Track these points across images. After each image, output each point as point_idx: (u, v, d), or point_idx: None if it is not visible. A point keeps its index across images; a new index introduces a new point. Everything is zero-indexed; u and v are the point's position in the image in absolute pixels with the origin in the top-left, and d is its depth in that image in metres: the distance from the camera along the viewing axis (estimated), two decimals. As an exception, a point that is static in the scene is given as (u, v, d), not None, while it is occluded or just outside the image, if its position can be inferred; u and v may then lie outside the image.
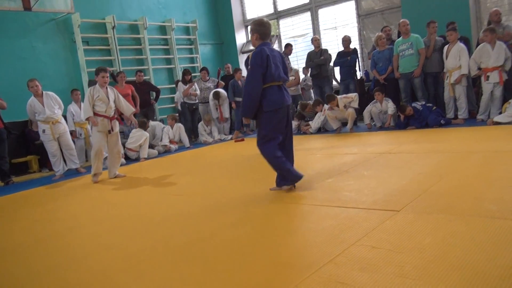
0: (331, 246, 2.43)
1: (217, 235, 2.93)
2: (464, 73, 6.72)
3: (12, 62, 8.21)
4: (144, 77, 9.58)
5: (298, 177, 3.82)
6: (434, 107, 7.02)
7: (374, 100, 7.61)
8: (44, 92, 6.85)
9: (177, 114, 9.51)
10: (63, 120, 6.98)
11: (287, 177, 3.82)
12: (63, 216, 4.19)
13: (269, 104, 3.71)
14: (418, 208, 2.91)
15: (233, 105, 9.34)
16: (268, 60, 3.66)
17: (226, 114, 9.63)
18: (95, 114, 5.71)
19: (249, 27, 12.15)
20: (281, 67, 3.82)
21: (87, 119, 5.74)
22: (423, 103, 7.09)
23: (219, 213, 3.50)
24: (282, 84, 3.85)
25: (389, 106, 7.35)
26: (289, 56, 9.69)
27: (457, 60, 6.78)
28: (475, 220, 2.55)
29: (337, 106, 7.70)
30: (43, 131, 6.80)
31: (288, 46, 9.42)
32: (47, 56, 8.77)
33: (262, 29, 3.84)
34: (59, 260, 2.86)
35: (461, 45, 6.82)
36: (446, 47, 7.00)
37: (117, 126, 6.01)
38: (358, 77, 9.12)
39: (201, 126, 9.35)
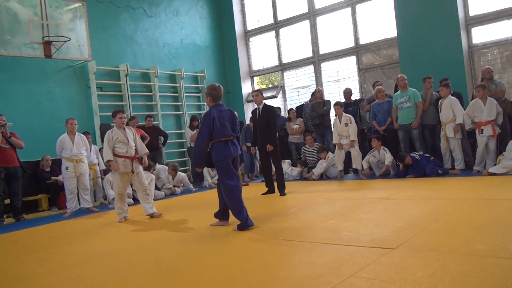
0: (330, 277, 2.65)
1: (228, 268, 3.15)
2: (460, 122, 7.08)
3: (29, 105, 8.65)
4: (153, 122, 9.99)
5: (247, 225, 4.34)
6: (432, 158, 7.31)
7: (373, 149, 7.92)
8: (77, 132, 7.32)
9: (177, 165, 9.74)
10: (86, 161, 7.35)
11: (242, 223, 4.34)
12: (77, 249, 4.39)
13: (217, 156, 4.44)
14: (412, 246, 3.14)
15: (244, 148, 9.60)
16: (214, 121, 4.40)
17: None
18: (116, 155, 5.67)
19: (254, 78, 12.73)
20: (230, 124, 4.56)
21: (108, 161, 5.74)
22: (421, 153, 7.40)
23: (229, 249, 3.73)
24: (232, 139, 4.54)
25: (387, 157, 7.65)
26: (294, 106, 10.10)
27: (450, 112, 7.18)
28: (463, 258, 2.76)
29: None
30: (66, 168, 7.16)
31: (318, 92, 9.72)
32: (63, 100, 9.22)
33: (214, 93, 4.67)
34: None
35: (452, 98, 7.26)
36: (440, 101, 7.41)
37: (139, 166, 5.95)
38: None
39: (205, 170, 9.62)
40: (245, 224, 4.32)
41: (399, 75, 8.09)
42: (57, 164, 8.46)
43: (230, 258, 3.41)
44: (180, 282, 2.91)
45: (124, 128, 5.85)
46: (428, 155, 7.37)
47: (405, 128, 7.85)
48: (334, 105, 8.27)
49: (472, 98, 7.39)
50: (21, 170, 7.11)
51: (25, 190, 7.80)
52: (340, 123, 8.01)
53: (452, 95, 7.41)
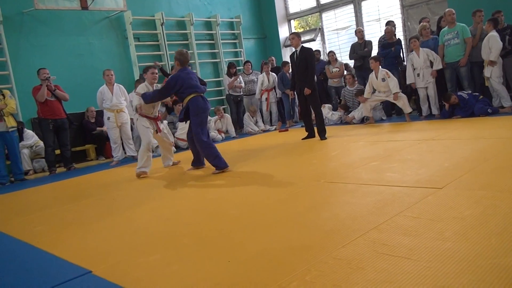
0: (374, 216, 2.61)
1: (272, 207, 3.19)
2: (493, 59, 6.68)
3: (71, 58, 8.79)
4: (192, 70, 9.96)
5: (225, 166, 4.94)
6: (481, 96, 6.95)
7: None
8: (115, 83, 7.45)
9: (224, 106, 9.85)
10: (126, 111, 7.49)
11: (219, 164, 4.92)
12: (124, 195, 4.57)
13: (197, 108, 4.95)
14: (460, 185, 3.04)
15: (290, 94, 9.42)
16: (182, 81, 4.94)
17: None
18: (142, 115, 5.64)
19: (291, 22, 12.34)
20: (199, 83, 5.13)
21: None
22: (469, 92, 7.04)
23: (270, 191, 3.75)
24: (203, 95, 5.09)
25: (392, 85, 7.52)
26: (333, 49, 9.76)
27: (487, 48, 6.77)
28: (516, 196, 2.65)
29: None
30: (108, 118, 7.35)
31: (358, 32, 9.39)
32: (102, 52, 9.31)
33: (181, 58, 5.07)
34: (124, 228, 3.20)
35: (492, 34, 6.76)
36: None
37: (162, 125, 6.27)
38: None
39: (247, 117, 9.62)
40: (223, 165, 4.93)
41: (446, 10, 7.56)
42: (101, 115, 8.71)
43: (273, 200, 3.44)
44: (223, 223, 2.97)
45: (153, 86, 5.71)
46: (477, 93, 7.01)
47: (452, 66, 7.44)
48: (370, 59, 7.91)
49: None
50: (68, 122, 7.35)
51: (73, 141, 8.12)
52: (377, 78, 7.68)
53: (505, 28, 6.90)
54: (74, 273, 2.40)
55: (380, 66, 7.73)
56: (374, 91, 7.87)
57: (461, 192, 2.88)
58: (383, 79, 7.60)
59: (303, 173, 4.32)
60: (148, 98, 5.25)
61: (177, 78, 4.98)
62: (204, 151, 5.03)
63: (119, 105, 7.37)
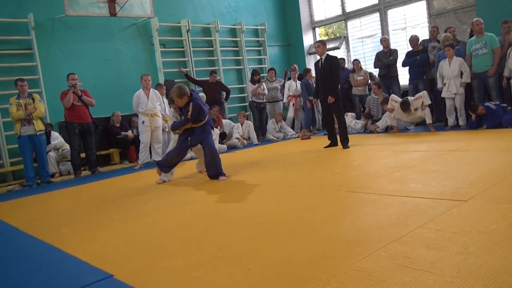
0: (397, 228, 2.58)
1: (293, 216, 3.19)
2: None
3: (98, 64, 9.00)
4: (216, 77, 10.06)
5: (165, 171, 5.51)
6: (510, 107, 6.79)
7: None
8: (151, 88, 7.66)
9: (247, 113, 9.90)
10: (160, 115, 7.66)
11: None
12: (147, 199, 4.63)
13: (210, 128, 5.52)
14: (486, 198, 2.97)
15: (308, 104, 9.43)
16: (203, 110, 5.24)
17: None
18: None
19: (316, 29, 12.32)
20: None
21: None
22: (497, 103, 6.89)
23: (292, 200, 3.75)
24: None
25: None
26: (357, 57, 9.72)
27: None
28: (544, 211, 2.58)
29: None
30: (143, 122, 7.53)
31: (384, 41, 9.37)
32: (129, 57, 9.49)
33: (182, 91, 5.09)
34: (147, 232, 3.25)
35: None
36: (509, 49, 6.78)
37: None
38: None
39: (271, 123, 9.61)
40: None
41: (474, 19, 7.43)
42: (126, 120, 8.87)
43: (294, 208, 3.43)
44: (243, 230, 2.98)
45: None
46: (505, 105, 6.85)
47: (480, 76, 7.30)
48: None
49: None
50: (93, 126, 7.51)
51: (98, 145, 8.28)
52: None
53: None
54: (96, 276, 2.45)
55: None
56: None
57: (487, 205, 2.82)
58: (416, 109, 7.56)
59: (325, 182, 4.30)
60: (176, 128, 5.40)
61: (200, 108, 5.15)
62: (217, 158, 5.27)
63: (154, 109, 7.55)
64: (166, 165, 5.49)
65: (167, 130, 8.14)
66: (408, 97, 7.73)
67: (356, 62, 9.58)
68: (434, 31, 8.60)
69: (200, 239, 2.90)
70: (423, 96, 7.50)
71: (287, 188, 4.25)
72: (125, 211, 4.15)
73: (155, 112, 7.57)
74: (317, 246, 2.48)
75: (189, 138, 5.29)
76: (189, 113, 5.06)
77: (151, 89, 7.67)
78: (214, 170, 5.23)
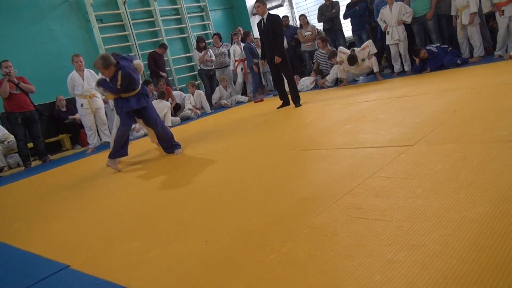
0: (348, 180, 2.63)
1: (248, 181, 3.19)
2: (474, 11, 6.61)
3: (33, 47, 8.51)
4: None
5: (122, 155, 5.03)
6: (450, 48, 6.99)
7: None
8: (85, 68, 7.24)
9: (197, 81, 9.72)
10: (99, 95, 7.30)
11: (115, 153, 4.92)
12: (101, 183, 4.51)
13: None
14: (431, 141, 3.07)
15: (254, 68, 9.34)
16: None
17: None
18: None
19: None
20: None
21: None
22: (438, 45, 7.06)
23: (247, 165, 3.76)
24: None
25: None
26: (301, 13, 9.64)
27: None
28: (485, 146, 2.68)
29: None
30: (81, 105, 7.21)
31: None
32: (65, 37, 9.02)
33: (106, 61, 4.59)
34: (100, 217, 3.17)
35: None
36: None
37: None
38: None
39: (218, 90, 9.50)
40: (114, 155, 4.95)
41: (410, -37, 7.49)
42: (72, 103, 8.51)
43: (249, 173, 3.43)
44: (199, 202, 2.96)
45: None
46: (446, 46, 7.04)
47: (419, 20, 7.43)
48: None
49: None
50: (37, 113, 7.16)
51: (46, 132, 7.96)
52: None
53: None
54: (52, 269, 2.38)
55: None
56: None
57: (432, 147, 2.91)
58: (363, 59, 7.58)
59: (278, 142, 4.32)
60: (102, 86, 4.84)
61: (130, 76, 4.63)
62: (166, 130, 5.15)
63: (91, 90, 7.16)
64: (117, 148, 4.91)
65: (112, 107, 7.89)
66: (355, 49, 7.78)
67: (303, 17, 9.50)
68: None
69: (157, 217, 2.86)
70: (369, 46, 7.57)
71: (242, 154, 4.24)
72: (79, 198, 4.03)
73: (93, 93, 7.20)
74: (273, 208, 2.49)
75: (122, 107, 4.79)
76: (118, 83, 4.55)
77: (86, 69, 7.26)
78: (166, 143, 5.11)
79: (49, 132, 8.20)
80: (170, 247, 2.30)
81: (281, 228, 2.17)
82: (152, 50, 9.59)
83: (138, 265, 2.16)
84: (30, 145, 7.30)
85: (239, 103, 9.42)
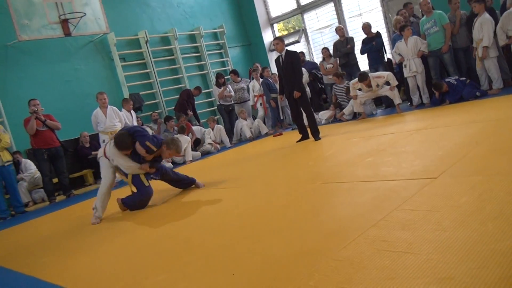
0: (373, 213, 2.63)
1: (271, 215, 3.22)
2: (485, 45, 6.67)
3: (58, 86, 8.83)
4: (180, 85, 10.03)
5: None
6: (468, 80, 7.01)
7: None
8: (109, 105, 7.49)
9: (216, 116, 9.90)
10: None
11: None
12: (126, 217, 4.58)
13: None
14: (455, 173, 3.07)
15: (273, 103, 9.49)
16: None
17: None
18: None
19: (274, 26, 12.38)
20: None
21: None
22: (457, 77, 7.09)
23: (269, 198, 3.79)
24: None
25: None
26: (318, 48, 9.79)
27: (480, 32, 6.76)
28: (511, 178, 2.67)
29: (370, 86, 7.79)
30: (103, 140, 7.39)
31: (339, 30, 9.50)
32: (89, 76, 9.35)
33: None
34: (127, 250, 3.22)
35: (485, 17, 6.74)
36: (475, 19, 6.97)
37: None
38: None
39: (238, 123, 9.61)
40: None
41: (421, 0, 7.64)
42: (95, 139, 8.72)
43: (272, 206, 3.46)
44: (224, 235, 2.99)
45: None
46: (464, 78, 7.07)
47: (435, 54, 7.50)
48: (351, 85, 8.08)
49: (503, 10, 6.90)
50: (62, 149, 7.37)
51: (70, 167, 8.14)
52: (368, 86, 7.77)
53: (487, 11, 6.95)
54: (82, 302, 2.41)
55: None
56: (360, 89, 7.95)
57: (456, 179, 2.91)
58: (377, 85, 7.68)
59: (299, 176, 4.35)
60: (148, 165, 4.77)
61: (151, 139, 4.58)
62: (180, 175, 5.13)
63: (113, 127, 7.38)
64: (134, 207, 4.73)
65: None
66: (370, 74, 7.85)
67: (325, 50, 9.62)
68: (365, 27, 8.76)
69: (182, 251, 2.89)
70: (389, 77, 7.60)
71: (263, 187, 4.28)
72: (105, 232, 4.09)
73: (114, 130, 7.31)
74: (297, 241, 2.51)
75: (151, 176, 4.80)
76: (144, 151, 4.47)
77: (109, 106, 7.53)
78: (185, 182, 5.13)
79: (73, 168, 8.39)
80: (197, 280, 2.32)
81: (307, 261, 2.18)
82: (187, 89, 9.90)
83: (166, 299, 2.19)
84: (55, 180, 7.46)
85: (259, 136, 9.46)
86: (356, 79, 7.91)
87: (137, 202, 4.68)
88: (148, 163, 4.64)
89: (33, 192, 7.88)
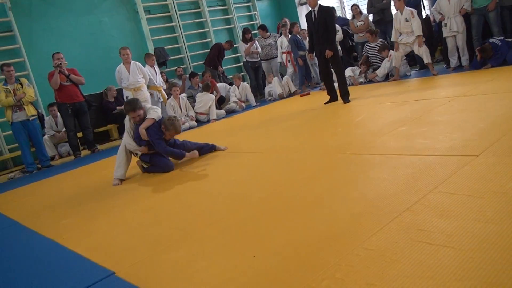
0: (407, 194, 2.43)
1: (297, 188, 3.04)
2: None
3: (84, 38, 8.69)
4: (206, 40, 9.74)
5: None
6: (514, 43, 6.50)
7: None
8: (132, 61, 7.27)
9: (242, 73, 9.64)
10: (145, 89, 7.33)
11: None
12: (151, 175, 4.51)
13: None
14: (499, 151, 2.80)
15: (300, 61, 9.12)
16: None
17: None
18: None
19: None
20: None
21: None
22: (502, 38, 6.57)
23: (296, 168, 3.61)
24: None
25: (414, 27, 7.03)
26: (350, 2, 9.27)
27: None
28: None
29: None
30: (127, 97, 7.25)
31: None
32: (114, 29, 9.15)
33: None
34: (147, 218, 3.14)
35: None
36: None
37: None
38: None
39: (276, 81, 9.27)
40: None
41: (472, -50, 6.99)
42: (120, 94, 8.64)
43: (298, 178, 3.29)
44: (247, 208, 2.85)
45: None
46: (510, 39, 6.54)
47: (480, 12, 6.93)
48: None
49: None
50: (86, 104, 7.31)
51: (95, 122, 8.14)
52: (401, 17, 7.23)
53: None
54: (99, 275, 2.34)
55: (405, 6, 7.26)
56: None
57: (501, 159, 2.65)
58: (407, 19, 7.17)
59: (328, 144, 4.14)
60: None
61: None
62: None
63: (136, 83, 7.23)
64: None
65: (161, 100, 7.92)
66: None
67: (355, 7, 9.15)
68: None
69: (202, 224, 2.77)
70: (413, 25, 7.12)
71: (289, 155, 4.09)
72: (125, 195, 4.03)
73: (138, 86, 7.22)
74: (324, 222, 2.34)
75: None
76: (145, 136, 4.41)
77: (132, 61, 7.30)
78: (206, 147, 4.95)
79: (97, 122, 8.38)
80: (216, 260, 2.20)
81: (334, 247, 2.02)
82: (219, 42, 9.60)
83: (184, 280, 2.08)
84: (80, 135, 7.47)
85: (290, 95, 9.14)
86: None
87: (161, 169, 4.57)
88: (147, 146, 4.53)
89: (59, 145, 7.93)
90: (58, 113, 7.69)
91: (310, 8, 6.56)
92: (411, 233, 1.98)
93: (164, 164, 4.54)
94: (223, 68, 10.22)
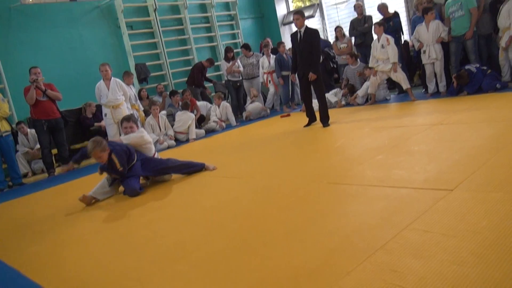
0: (382, 230, 2.41)
1: (271, 219, 3.00)
2: None
3: (63, 53, 8.56)
4: (188, 57, 9.71)
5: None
6: (489, 71, 6.64)
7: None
8: (113, 77, 7.14)
9: (223, 93, 9.60)
10: (124, 107, 7.18)
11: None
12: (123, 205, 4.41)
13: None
14: (473, 186, 2.82)
15: (281, 81, 9.16)
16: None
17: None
18: None
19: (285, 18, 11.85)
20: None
21: None
22: (478, 66, 6.72)
23: (272, 196, 3.56)
24: None
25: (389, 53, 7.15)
26: (332, 25, 9.38)
27: (507, 20, 6.35)
28: (536, 198, 2.44)
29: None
30: (105, 114, 7.18)
31: (358, 7, 9.09)
32: (95, 43, 9.05)
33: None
34: (117, 249, 3.04)
35: None
36: (502, 5, 6.54)
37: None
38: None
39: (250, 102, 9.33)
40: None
41: (449, -20, 7.18)
42: (100, 110, 8.49)
43: (273, 208, 3.24)
44: (220, 240, 2.79)
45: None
46: (485, 67, 6.69)
47: (458, 40, 7.09)
48: (374, 24, 7.61)
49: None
50: (62, 121, 7.15)
51: (72, 138, 7.97)
52: (378, 43, 7.36)
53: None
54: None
55: (384, 33, 7.37)
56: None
57: (475, 194, 2.66)
58: (383, 46, 7.28)
59: (306, 171, 4.11)
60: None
61: (125, 151, 4.49)
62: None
63: (115, 101, 7.09)
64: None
65: (139, 119, 7.79)
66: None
67: (339, 29, 9.25)
68: (382, 7, 8.39)
69: (173, 256, 2.69)
70: (389, 52, 7.24)
71: (266, 182, 4.04)
72: (98, 220, 3.92)
73: (117, 104, 7.09)
74: (299, 257, 2.30)
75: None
76: (117, 165, 4.39)
77: (113, 78, 7.16)
78: (191, 168, 4.92)
79: (74, 138, 8.21)
80: (186, 298, 2.13)
81: (308, 285, 1.98)
82: (199, 62, 9.56)
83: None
84: (55, 151, 7.29)
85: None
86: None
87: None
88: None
89: (33, 162, 7.74)
90: (28, 130, 7.53)
91: (295, 29, 6.57)
92: (384, 275, 1.95)
93: (129, 189, 4.44)
94: (205, 86, 10.20)
